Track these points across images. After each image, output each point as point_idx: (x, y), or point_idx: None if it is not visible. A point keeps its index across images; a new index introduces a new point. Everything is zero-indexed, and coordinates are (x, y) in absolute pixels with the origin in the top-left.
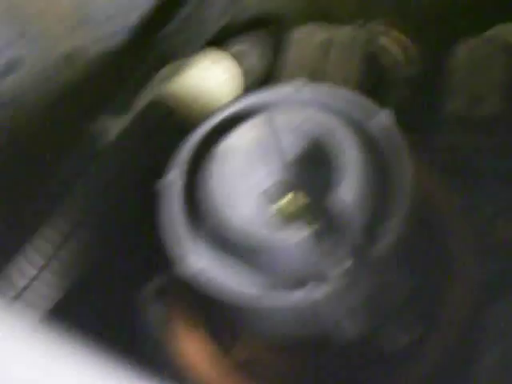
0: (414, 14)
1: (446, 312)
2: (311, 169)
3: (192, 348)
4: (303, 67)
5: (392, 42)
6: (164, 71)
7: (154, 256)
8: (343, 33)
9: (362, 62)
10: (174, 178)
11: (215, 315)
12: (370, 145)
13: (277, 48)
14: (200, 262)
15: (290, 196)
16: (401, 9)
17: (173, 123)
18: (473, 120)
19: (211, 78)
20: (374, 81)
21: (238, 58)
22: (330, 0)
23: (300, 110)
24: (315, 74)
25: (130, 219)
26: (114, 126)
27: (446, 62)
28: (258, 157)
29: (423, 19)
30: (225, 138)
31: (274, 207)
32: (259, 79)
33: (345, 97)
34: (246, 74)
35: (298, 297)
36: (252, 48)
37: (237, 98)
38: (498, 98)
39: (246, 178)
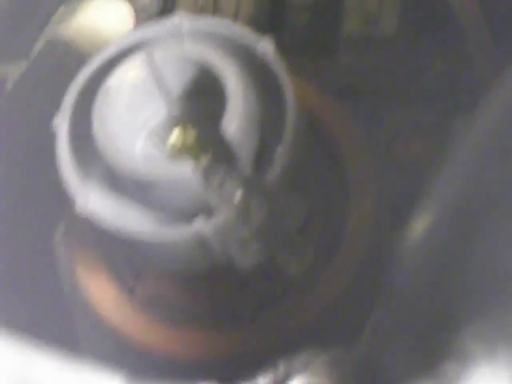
0: None
1: (344, 239)
2: (197, 102)
3: (96, 290)
4: (194, 1)
5: None
6: (58, 14)
7: (59, 198)
8: None
9: None
10: (61, 121)
11: (115, 255)
12: (253, 74)
13: None
14: (92, 203)
15: (178, 131)
16: None
17: (70, 62)
18: (369, 41)
19: (104, 17)
20: (268, 10)
21: None
22: None
23: (180, 44)
24: (207, 7)
25: (37, 161)
26: (15, 71)
27: None
28: (143, 95)
29: None
30: (106, 78)
31: (163, 144)
32: (153, 18)
33: (225, 28)
34: (139, 13)
35: (188, 231)
36: None
37: (118, 38)
38: (393, 17)
39: (132, 117)
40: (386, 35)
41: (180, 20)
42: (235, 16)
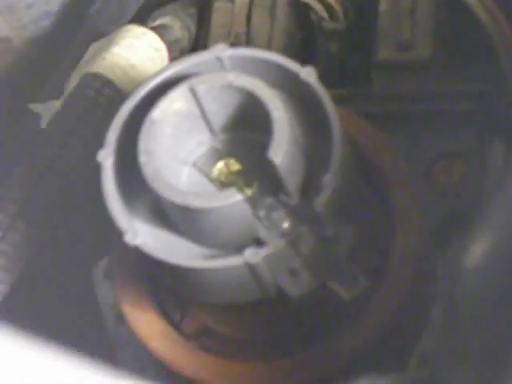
0: None
1: (391, 263)
2: (240, 134)
3: (142, 325)
4: (227, 33)
5: None
6: (89, 51)
7: (104, 233)
8: None
9: (285, 22)
10: (105, 157)
11: (161, 289)
12: (296, 103)
13: (199, 16)
14: (138, 237)
15: (221, 163)
16: None
17: (106, 97)
18: (403, 67)
19: (136, 53)
20: (300, 39)
21: (162, 31)
22: None
23: (221, 76)
24: (239, 39)
25: (79, 195)
26: (50, 109)
27: (371, 11)
28: (187, 126)
29: None
30: (149, 112)
31: (207, 176)
32: (185, 50)
33: (265, 58)
34: (171, 46)
35: (237, 261)
36: (174, 19)
37: (158, 71)
38: (426, 42)
39: (177, 149)
40: (420, 61)
41: (221, 50)
42: (268, 48)
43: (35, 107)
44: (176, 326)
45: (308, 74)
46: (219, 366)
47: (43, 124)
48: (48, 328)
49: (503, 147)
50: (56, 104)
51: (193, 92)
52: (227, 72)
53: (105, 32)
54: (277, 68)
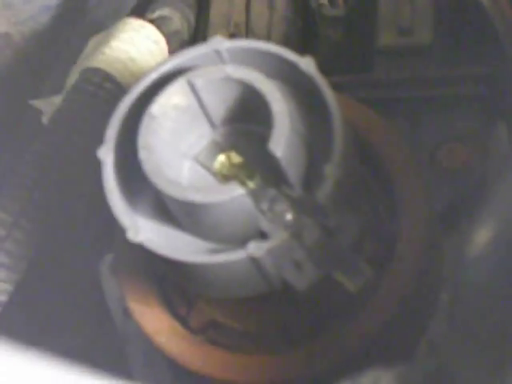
0: None
1: (397, 251)
2: (240, 126)
3: (149, 321)
4: (226, 23)
5: None
6: (89, 45)
7: (109, 227)
8: None
9: (284, 10)
10: (105, 153)
11: (166, 284)
12: (295, 93)
13: (198, 7)
14: (142, 231)
15: (223, 157)
16: None
17: (107, 91)
18: (404, 51)
19: (135, 46)
20: (300, 26)
21: (161, 23)
22: None
23: (219, 69)
24: (239, 28)
25: (82, 191)
26: (51, 105)
27: None
28: (185, 122)
29: None
30: (148, 105)
31: (209, 170)
32: (185, 41)
33: (263, 49)
34: (171, 37)
35: (241, 255)
36: (174, 11)
37: (156, 65)
38: (427, 27)
39: (177, 143)
40: (420, 45)
41: (218, 43)
42: (268, 36)
43: (36, 103)
44: (182, 321)
45: (307, 63)
46: (227, 359)
47: (45, 120)
48: (54, 325)
49: (507, 130)
50: (57, 100)
51: (191, 86)
52: (225, 64)
53: (104, 25)
54: (275, 59)
